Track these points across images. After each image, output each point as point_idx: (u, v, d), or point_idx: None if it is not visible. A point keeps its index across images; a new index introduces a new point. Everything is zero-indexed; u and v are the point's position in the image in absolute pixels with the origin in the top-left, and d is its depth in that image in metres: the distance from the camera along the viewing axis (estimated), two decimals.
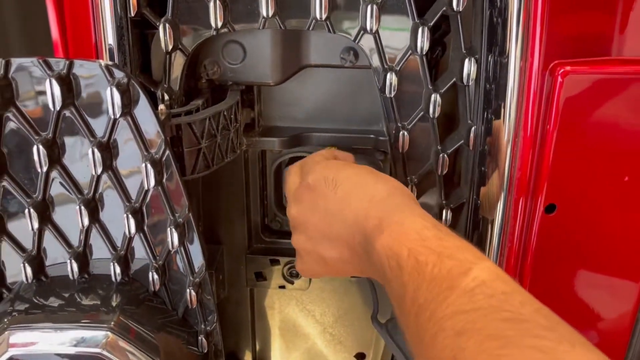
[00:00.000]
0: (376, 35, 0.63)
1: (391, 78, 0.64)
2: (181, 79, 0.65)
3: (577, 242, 0.65)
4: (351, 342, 0.93)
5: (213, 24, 0.62)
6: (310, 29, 0.64)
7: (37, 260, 0.57)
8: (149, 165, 0.51)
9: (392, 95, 0.65)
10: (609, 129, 0.61)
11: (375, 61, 0.65)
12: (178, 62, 0.65)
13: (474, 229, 0.70)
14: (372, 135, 0.78)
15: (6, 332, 0.54)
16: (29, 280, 0.57)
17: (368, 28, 0.62)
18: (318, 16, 0.62)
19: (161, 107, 0.56)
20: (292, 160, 0.82)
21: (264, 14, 0.62)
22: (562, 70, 0.58)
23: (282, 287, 0.86)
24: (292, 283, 0.86)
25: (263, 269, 0.85)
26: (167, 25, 0.61)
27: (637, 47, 0.61)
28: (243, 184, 0.81)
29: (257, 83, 0.72)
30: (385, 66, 0.65)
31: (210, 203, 0.80)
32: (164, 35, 0.61)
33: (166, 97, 0.63)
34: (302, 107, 0.78)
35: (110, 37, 0.60)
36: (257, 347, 0.94)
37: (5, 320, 0.55)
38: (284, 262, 0.85)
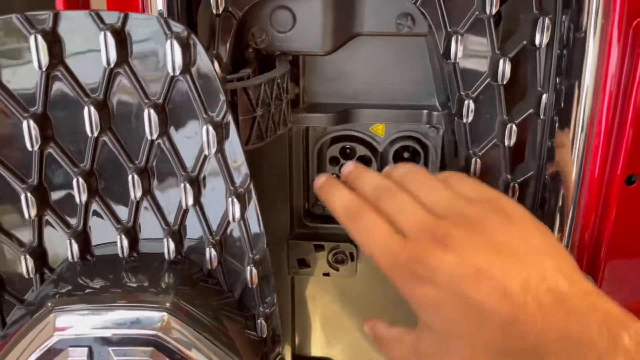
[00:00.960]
0: None
1: (456, 42, 0.60)
2: (229, 46, 0.61)
3: None
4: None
5: None
6: None
7: (83, 236, 0.52)
8: (210, 128, 0.47)
9: (457, 61, 0.61)
10: None
11: (438, 24, 0.60)
12: (226, 28, 0.60)
13: (542, 205, 0.65)
14: (425, 110, 0.73)
15: (51, 315, 0.49)
16: (75, 259, 0.52)
17: None
18: None
19: (217, 70, 0.52)
20: (335, 140, 0.77)
21: None
22: None
23: (327, 274, 0.81)
24: (337, 270, 0.81)
25: (306, 256, 0.81)
26: None
27: None
28: (286, 165, 0.77)
29: (306, 52, 0.67)
30: (449, 29, 0.60)
31: None
32: None
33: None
34: (349, 82, 0.74)
35: (160, 1, 0.56)
36: (297, 341, 0.89)
37: (49, 303, 0.50)
38: (328, 248, 0.80)
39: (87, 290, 0.51)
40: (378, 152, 0.78)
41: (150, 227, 0.53)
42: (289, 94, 0.65)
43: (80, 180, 0.49)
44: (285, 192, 0.78)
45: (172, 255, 0.52)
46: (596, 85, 0.57)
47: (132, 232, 0.52)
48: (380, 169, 0.79)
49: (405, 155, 0.79)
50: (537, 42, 0.59)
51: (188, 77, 0.47)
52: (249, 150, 0.61)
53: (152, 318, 0.48)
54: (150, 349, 0.48)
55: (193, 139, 0.49)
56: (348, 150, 0.79)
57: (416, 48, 0.70)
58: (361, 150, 0.78)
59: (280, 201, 0.78)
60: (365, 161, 0.79)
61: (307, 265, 0.82)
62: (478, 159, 0.65)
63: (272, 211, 0.78)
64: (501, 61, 0.60)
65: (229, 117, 0.48)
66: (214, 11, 0.57)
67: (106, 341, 0.48)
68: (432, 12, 0.60)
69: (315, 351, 0.90)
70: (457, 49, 0.60)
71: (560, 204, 0.62)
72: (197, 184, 0.50)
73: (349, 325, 0.87)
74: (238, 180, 0.50)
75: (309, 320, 0.87)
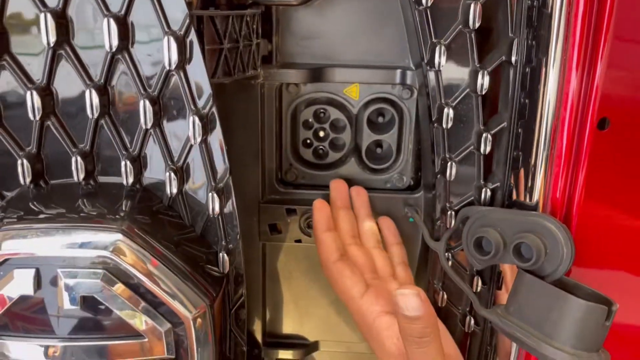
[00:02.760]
0: None
1: None
2: None
3: (633, 161, 0.59)
4: None
5: None
6: None
7: (36, 159, 0.50)
8: (171, 41, 0.45)
9: (428, 6, 0.60)
10: None
11: None
12: None
13: (515, 156, 0.64)
14: (398, 70, 0.73)
15: None
16: (27, 183, 0.49)
17: None
18: None
19: None
20: (308, 103, 0.76)
21: None
22: None
23: (299, 241, 0.79)
24: (310, 236, 0.78)
25: (278, 221, 0.78)
26: None
27: None
28: (258, 124, 0.75)
29: (278, 2, 0.67)
30: None
31: None
32: None
33: None
34: (322, 42, 0.73)
35: None
36: (268, 315, 0.85)
37: None
38: (301, 213, 0.78)
39: (39, 216, 0.48)
40: (352, 115, 0.77)
41: (108, 151, 0.50)
42: (259, 39, 0.64)
43: (35, 95, 0.47)
44: (257, 155, 0.76)
45: (130, 182, 0.50)
46: (565, 32, 0.57)
47: (88, 156, 0.50)
48: (354, 133, 0.78)
49: (380, 120, 0.78)
50: None
51: None
52: (218, 91, 0.60)
53: (105, 240, 0.46)
54: (101, 271, 0.45)
55: (156, 54, 0.48)
56: (322, 114, 0.78)
57: (390, 5, 0.70)
58: (335, 113, 0.77)
59: (252, 163, 0.77)
60: (339, 126, 0.78)
61: (278, 231, 0.79)
62: (451, 110, 0.64)
63: (243, 173, 0.77)
64: (472, 5, 0.59)
65: (192, 34, 0.47)
66: None
67: (54, 262, 0.45)
68: None
69: (287, 327, 0.87)
70: None
71: (533, 154, 0.61)
72: (158, 103, 0.49)
73: (321, 296, 0.84)
74: (201, 102, 0.49)
75: (281, 292, 0.84)
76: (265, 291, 0.83)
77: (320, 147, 0.79)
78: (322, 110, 0.77)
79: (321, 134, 0.78)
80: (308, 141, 0.79)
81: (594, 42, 0.56)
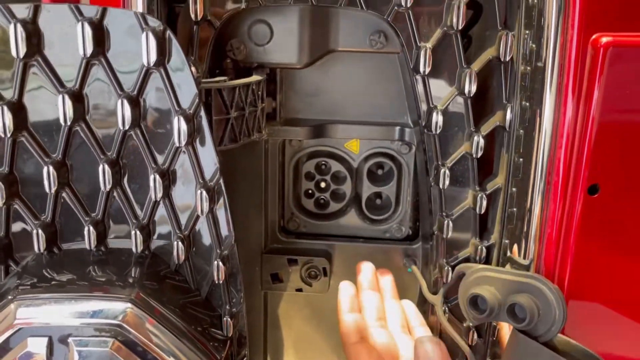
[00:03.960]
0: (409, 12, 0.62)
1: (425, 55, 0.62)
2: (207, 54, 0.63)
3: (623, 224, 0.62)
4: None
5: None
6: (342, 5, 0.63)
7: (51, 228, 0.52)
8: (182, 120, 0.48)
9: (426, 74, 0.63)
10: None
11: (408, 39, 0.63)
12: (205, 36, 0.62)
13: (509, 216, 0.66)
14: (397, 127, 0.76)
15: (12, 305, 0.48)
16: (41, 250, 0.51)
17: (402, 4, 0.61)
18: None
19: (192, 68, 0.53)
20: (311, 156, 0.79)
21: None
22: (604, 41, 0.57)
23: (300, 290, 0.81)
24: (311, 285, 0.81)
25: (279, 270, 0.80)
26: None
27: None
28: (262, 178, 0.78)
29: (283, 65, 0.70)
30: (419, 44, 0.63)
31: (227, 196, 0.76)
32: (194, 3, 0.59)
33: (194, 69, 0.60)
34: (325, 98, 0.76)
35: (140, 7, 0.58)
36: None
37: (11, 294, 0.50)
38: (302, 263, 0.80)
39: (52, 283, 0.51)
40: (353, 168, 0.80)
41: (120, 220, 0.53)
42: (264, 103, 0.66)
43: (51, 169, 0.49)
44: (260, 206, 0.79)
45: (140, 249, 0.52)
46: (557, 100, 0.60)
47: (100, 225, 0.52)
48: (355, 184, 0.80)
49: (380, 172, 0.81)
50: (500, 55, 0.61)
51: (162, 70, 0.48)
52: (223, 151, 0.62)
53: (115, 309, 0.48)
54: (111, 339, 0.47)
55: (165, 132, 0.50)
56: (323, 166, 0.80)
57: (390, 66, 0.73)
58: (336, 166, 0.79)
59: (255, 214, 0.79)
60: (340, 177, 0.80)
61: (280, 280, 0.81)
62: (447, 170, 0.66)
63: (246, 224, 0.79)
64: (467, 73, 0.62)
65: (202, 112, 0.49)
66: (193, 18, 0.59)
67: (66, 331, 0.47)
68: (403, 29, 0.63)
69: None
70: (426, 62, 0.62)
71: (527, 215, 0.64)
72: (167, 176, 0.51)
73: (322, 345, 0.86)
74: (208, 175, 0.51)
75: (282, 339, 0.86)
76: (267, 338, 0.84)
77: (322, 197, 0.82)
78: (323, 163, 0.80)
79: (322, 185, 0.81)
80: (310, 192, 0.82)
81: (585, 110, 0.59)
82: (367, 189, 0.80)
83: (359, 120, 0.76)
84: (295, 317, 0.84)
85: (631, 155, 0.60)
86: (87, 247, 0.52)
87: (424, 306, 0.78)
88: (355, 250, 0.81)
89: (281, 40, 0.67)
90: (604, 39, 0.57)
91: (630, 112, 0.59)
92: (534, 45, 0.61)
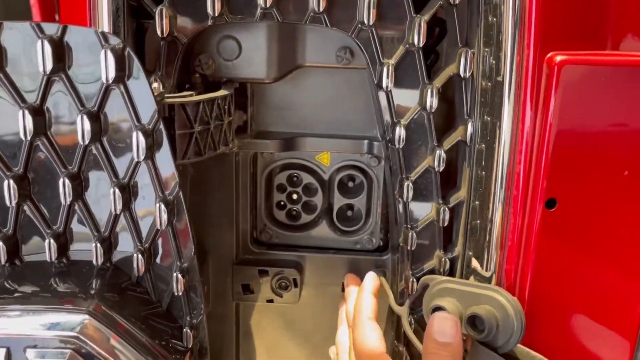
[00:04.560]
0: (372, 29, 0.63)
1: (387, 72, 0.64)
2: (175, 70, 0.64)
3: (580, 237, 0.63)
4: None
5: (210, 12, 0.62)
6: (307, 22, 0.64)
7: (12, 240, 0.53)
8: (140, 136, 0.49)
9: (389, 89, 0.65)
10: (607, 122, 0.61)
11: (372, 56, 0.64)
12: (173, 51, 0.64)
13: (472, 229, 0.67)
14: (366, 140, 0.77)
15: None
16: (2, 262, 0.52)
17: (365, 22, 0.63)
18: (316, 8, 0.62)
19: (155, 85, 0.55)
20: (282, 168, 0.80)
21: (262, 4, 0.62)
22: (558, 60, 0.59)
23: (270, 300, 0.82)
24: (281, 296, 0.81)
25: (250, 281, 0.81)
26: (163, 10, 0.60)
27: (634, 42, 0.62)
28: (233, 189, 0.79)
29: (251, 80, 0.71)
30: (382, 60, 0.64)
31: (197, 207, 0.77)
32: (160, 20, 0.61)
33: (159, 85, 0.62)
34: (295, 112, 0.77)
35: (105, 23, 0.59)
36: None
37: None
38: (272, 274, 0.81)
39: (13, 294, 0.52)
40: (324, 180, 0.81)
41: (81, 233, 0.54)
42: (231, 116, 0.68)
43: (12, 183, 0.50)
44: (232, 217, 0.80)
45: (101, 261, 0.53)
46: (515, 116, 0.61)
47: (61, 238, 0.53)
48: (326, 196, 0.81)
49: (350, 184, 0.82)
50: (461, 72, 0.63)
51: (122, 87, 0.50)
52: (193, 163, 0.64)
53: (73, 321, 0.49)
54: (68, 351, 0.48)
55: (125, 146, 0.51)
56: (295, 178, 0.82)
57: (359, 81, 0.75)
58: (307, 178, 0.81)
59: (226, 225, 0.80)
60: (311, 189, 0.81)
61: (251, 291, 0.82)
62: (411, 183, 0.67)
63: (218, 235, 0.80)
64: (429, 89, 0.64)
65: (161, 126, 0.51)
66: (159, 35, 0.61)
67: (25, 342, 0.48)
68: (367, 45, 0.65)
69: None
70: (389, 78, 0.64)
71: (488, 228, 0.65)
72: (128, 190, 0.52)
73: (294, 355, 0.86)
74: (167, 189, 0.52)
75: (254, 350, 0.87)
76: (239, 348, 0.85)
77: (294, 209, 0.83)
78: (295, 175, 0.81)
79: (294, 196, 0.82)
80: (282, 203, 0.83)
81: (541, 126, 0.60)
82: (338, 201, 0.81)
83: (329, 133, 0.77)
84: (267, 327, 0.85)
85: (587, 169, 0.62)
86: (48, 259, 0.53)
87: (392, 317, 0.79)
88: (326, 261, 0.82)
89: (250, 56, 0.69)
90: (558, 58, 0.59)
91: (585, 127, 0.61)
92: (493, 62, 0.62)
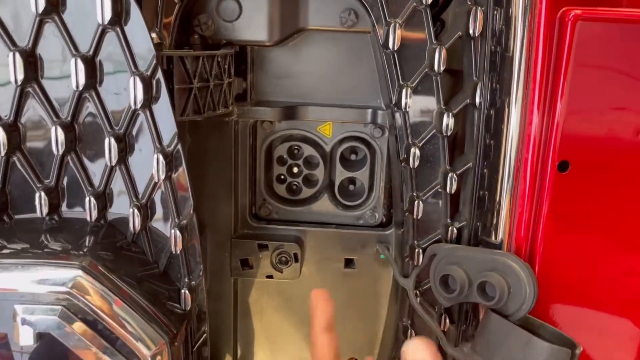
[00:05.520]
0: None
1: (394, 31, 0.61)
2: (173, 27, 0.62)
3: (593, 202, 0.61)
4: (343, 346, 0.84)
5: None
6: None
7: (1, 195, 0.50)
8: (137, 81, 0.46)
9: (395, 50, 0.62)
10: (623, 81, 0.59)
11: (378, 16, 0.62)
12: (170, 7, 0.61)
13: (481, 195, 0.65)
14: (369, 109, 0.75)
15: None
16: None
17: None
18: None
19: (153, 35, 0.52)
20: (282, 140, 0.78)
21: None
22: (572, 14, 0.57)
23: (270, 276, 0.79)
24: (282, 272, 0.79)
25: (249, 256, 0.79)
26: None
27: None
28: (231, 161, 0.76)
29: (252, 42, 0.69)
30: (388, 20, 0.62)
31: (194, 179, 0.74)
32: None
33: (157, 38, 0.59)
34: (297, 80, 0.75)
35: None
36: (239, 351, 0.85)
37: None
38: (272, 248, 0.78)
39: (2, 251, 0.49)
40: (326, 153, 0.78)
41: (74, 188, 0.51)
42: (231, 78, 0.65)
43: (1, 132, 0.48)
44: (230, 190, 0.77)
45: (95, 218, 0.50)
46: (526, 75, 0.59)
47: (53, 192, 0.50)
48: (328, 170, 0.79)
49: (353, 157, 0.80)
50: (470, 32, 0.61)
51: (119, 29, 0.47)
52: (191, 132, 0.61)
53: (65, 276, 0.46)
54: (58, 307, 0.45)
55: (122, 95, 0.49)
56: (296, 151, 0.79)
57: (362, 48, 0.72)
58: (309, 150, 0.78)
59: (224, 198, 0.77)
60: (312, 162, 0.79)
61: (250, 267, 0.79)
62: (418, 150, 0.65)
63: (216, 208, 0.77)
64: (437, 50, 0.61)
65: (159, 74, 0.48)
66: None
67: (13, 298, 0.45)
68: (372, 5, 0.63)
69: None
70: (395, 37, 0.62)
71: (497, 194, 0.63)
72: (124, 141, 0.49)
73: (293, 333, 0.83)
74: (166, 140, 0.50)
75: (252, 329, 0.84)
76: (237, 327, 0.82)
77: (294, 183, 0.80)
78: (296, 147, 0.79)
79: (295, 170, 0.80)
80: (282, 177, 0.80)
81: (553, 86, 0.58)
82: (340, 175, 0.79)
83: (331, 102, 0.75)
84: (266, 304, 0.82)
85: (601, 130, 0.60)
86: (39, 214, 0.50)
87: (397, 293, 0.77)
88: (327, 236, 0.79)
89: (250, 17, 0.66)
90: (572, 13, 0.57)
91: (600, 87, 0.59)
92: (503, 22, 0.60)
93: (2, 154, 0.48)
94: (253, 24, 0.66)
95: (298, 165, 0.79)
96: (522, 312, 0.58)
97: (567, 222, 0.62)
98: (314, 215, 0.80)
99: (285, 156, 0.79)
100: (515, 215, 0.62)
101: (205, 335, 0.55)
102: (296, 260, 0.78)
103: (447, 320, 0.69)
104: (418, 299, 0.71)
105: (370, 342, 0.84)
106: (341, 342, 0.83)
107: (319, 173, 0.79)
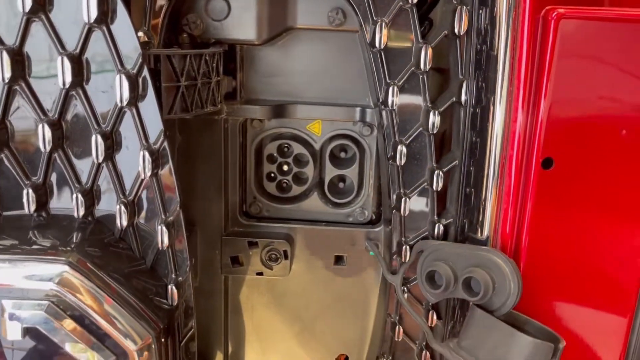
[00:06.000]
0: None
1: (380, 29, 0.62)
2: (162, 26, 0.62)
3: (576, 198, 0.61)
4: (333, 343, 0.85)
5: None
6: None
7: None
8: (123, 79, 0.47)
9: (382, 48, 0.63)
10: (605, 80, 0.60)
11: (365, 15, 0.63)
12: (159, 7, 0.62)
13: (467, 192, 0.66)
14: (358, 108, 0.75)
15: None
16: None
17: None
18: None
19: (140, 33, 0.53)
20: (272, 138, 0.78)
21: None
22: (555, 13, 0.57)
23: (260, 273, 0.80)
24: (271, 269, 0.79)
25: (240, 253, 0.79)
26: None
27: None
28: (221, 159, 0.77)
29: (241, 41, 0.69)
30: (375, 18, 0.63)
31: (185, 177, 0.75)
32: None
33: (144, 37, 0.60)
34: (285, 79, 0.76)
35: None
36: (230, 349, 0.85)
37: None
38: (262, 245, 0.79)
39: None
40: (316, 151, 0.79)
41: (61, 185, 0.52)
42: (219, 76, 0.66)
43: None
44: (220, 188, 0.78)
45: (82, 214, 0.51)
46: (511, 73, 0.60)
47: (40, 189, 0.51)
48: (317, 168, 0.79)
49: (342, 155, 0.80)
50: (455, 30, 0.62)
51: (104, 28, 0.48)
52: (181, 130, 0.61)
53: (51, 272, 0.47)
54: (45, 302, 0.46)
55: (108, 93, 0.49)
56: (286, 149, 0.80)
57: (350, 47, 0.73)
58: (298, 148, 0.79)
59: (215, 196, 0.78)
60: (302, 160, 0.79)
61: (240, 264, 0.80)
62: (404, 147, 0.66)
63: (206, 206, 0.78)
64: (423, 49, 0.62)
65: (145, 73, 0.49)
66: None
67: (0, 293, 0.46)
68: (359, 4, 0.63)
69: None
70: (381, 36, 0.62)
71: (483, 190, 0.63)
72: (111, 138, 0.50)
73: (283, 329, 0.84)
74: (152, 137, 0.50)
75: (243, 326, 0.84)
76: (228, 324, 0.83)
77: (284, 180, 0.81)
78: (286, 145, 0.79)
79: (285, 168, 0.80)
80: (272, 175, 0.81)
81: (537, 84, 0.59)
82: (330, 172, 0.80)
83: (320, 101, 0.76)
84: (256, 301, 0.83)
85: (584, 128, 0.60)
86: (27, 211, 0.50)
87: (384, 288, 0.77)
88: (317, 233, 0.80)
89: (239, 16, 0.67)
90: (555, 11, 0.57)
91: (582, 85, 0.59)
92: (488, 21, 0.61)
93: None
94: (242, 23, 0.67)
95: (288, 163, 0.80)
96: (507, 308, 0.59)
97: (552, 218, 0.62)
98: (304, 212, 0.81)
99: (275, 154, 0.79)
100: (501, 212, 0.63)
101: (192, 330, 0.55)
102: (286, 258, 0.79)
103: (435, 316, 0.70)
104: (406, 295, 0.71)
105: (360, 337, 0.84)
106: (331, 337, 0.84)
107: (309, 171, 0.80)
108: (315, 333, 0.85)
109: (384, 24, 0.62)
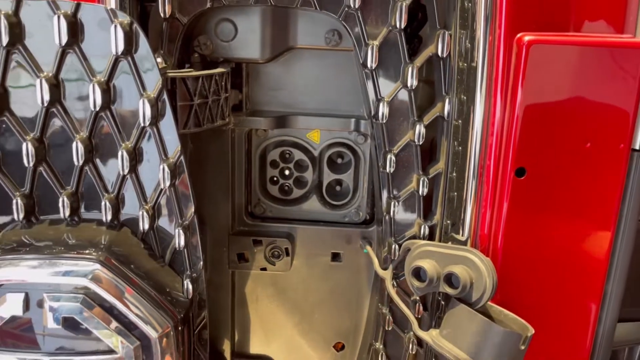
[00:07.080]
0: (358, 13, 0.69)
1: (372, 52, 0.69)
2: (176, 49, 0.70)
3: (547, 204, 0.69)
4: (330, 332, 0.93)
5: None
6: (298, 5, 0.70)
7: (29, 199, 0.58)
8: (146, 103, 0.54)
9: (373, 69, 0.70)
10: (571, 98, 0.67)
11: (358, 37, 0.70)
12: (174, 31, 0.69)
13: (450, 198, 0.73)
14: (353, 119, 0.83)
15: None
16: (20, 219, 0.58)
17: (351, 5, 0.68)
18: None
19: (158, 59, 0.60)
20: (275, 145, 0.86)
21: None
22: (527, 40, 0.64)
23: (264, 269, 0.88)
24: (274, 264, 0.87)
25: (245, 250, 0.87)
26: None
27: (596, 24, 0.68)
28: (229, 165, 0.84)
29: (246, 60, 0.76)
30: (367, 41, 0.70)
31: (196, 181, 0.83)
32: (162, 3, 0.66)
33: (162, 61, 0.67)
34: (288, 92, 0.83)
35: (112, 1, 0.65)
36: (236, 337, 0.93)
37: None
38: (266, 243, 0.86)
39: (30, 247, 0.57)
40: (315, 157, 0.87)
41: (91, 193, 0.59)
42: (228, 93, 0.73)
43: (30, 146, 0.56)
44: (227, 191, 0.85)
45: (109, 219, 0.59)
46: (487, 91, 0.67)
47: (73, 197, 0.59)
48: (316, 172, 0.87)
49: (339, 161, 0.88)
50: (439, 52, 0.69)
51: (130, 59, 0.55)
52: (192, 139, 0.69)
53: (84, 269, 0.54)
54: (81, 296, 0.54)
55: (133, 114, 0.57)
56: (287, 155, 0.87)
57: (347, 63, 0.80)
58: (299, 154, 0.86)
59: (222, 198, 0.85)
60: (303, 165, 0.87)
61: (245, 260, 0.88)
62: (394, 156, 0.73)
63: (214, 207, 0.85)
64: (410, 68, 0.69)
65: (164, 96, 0.56)
66: (162, 16, 0.66)
67: (41, 288, 0.53)
68: (353, 27, 0.70)
69: (254, 348, 0.95)
70: (373, 58, 0.69)
71: (464, 196, 0.71)
72: (134, 154, 0.58)
73: (286, 320, 0.92)
74: (170, 152, 0.58)
75: (248, 316, 0.92)
76: (234, 314, 0.91)
77: (286, 184, 0.88)
78: (287, 152, 0.87)
79: (286, 172, 0.88)
80: (275, 179, 0.88)
81: (511, 102, 0.66)
82: (328, 177, 0.87)
83: (319, 112, 0.83)
84: (260, 294, 0.91)
85: (553, 141, 0.68)
86: (62, 216, 0.58)
87: (377, 282, 0.85)
88: (316, 232, 0.88)
89: (245, 37, 0.74)
90: (527, 38, 0.64)
91: (551, 103, 0.67)
92: (468, 44, 0.68)
93: (31, 164, 0.56)
94: (247, 44, 0.74)
95: (289, 168, 0.87)
96: (483, 301, 0.67)
97: (525, 221, 0.70)
98: (303, 213, 0.88)
99: (277, 160, 0.87)
100: (479, 216, 0.70)
101: (205, 320, 0.63)
102: (287, 254, 0.87)
103: (421, 308, 0.78)
104: (395, 289, 0.79)
105: (355, 327, 0.92)
106: (329, 327, 0.92)
107: (309, 175, 0.87)
108: (314, 323, 0.92)
109: (374, 46, 0.69)
